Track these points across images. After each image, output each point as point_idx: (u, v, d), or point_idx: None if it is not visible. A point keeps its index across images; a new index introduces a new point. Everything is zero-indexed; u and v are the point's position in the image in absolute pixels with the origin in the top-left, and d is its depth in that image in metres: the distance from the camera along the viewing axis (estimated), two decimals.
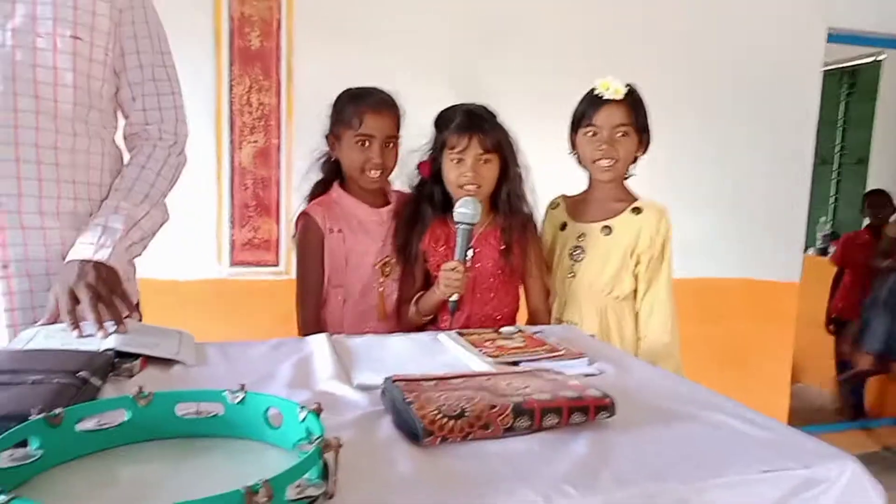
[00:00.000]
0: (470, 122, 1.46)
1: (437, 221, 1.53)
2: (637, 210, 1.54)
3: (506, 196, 1.51)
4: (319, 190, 1.62)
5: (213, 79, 2.37)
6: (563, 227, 1.62)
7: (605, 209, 1.57)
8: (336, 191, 1.58)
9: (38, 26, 1.12)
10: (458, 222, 1.41)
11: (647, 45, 2.74)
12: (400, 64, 2.39)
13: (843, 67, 4.76)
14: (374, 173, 1.51)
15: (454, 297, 1.43)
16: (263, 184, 2.47)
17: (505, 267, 1.52)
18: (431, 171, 1.52)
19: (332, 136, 1.55)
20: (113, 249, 1.13)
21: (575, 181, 1.66)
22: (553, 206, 1.68)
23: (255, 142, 2.45)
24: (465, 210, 1.40)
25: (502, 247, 1.51)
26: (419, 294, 1.53)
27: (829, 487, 0.70)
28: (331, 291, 1.56)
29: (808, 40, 3.00)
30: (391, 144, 1.52)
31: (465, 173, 1.45)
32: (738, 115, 2.94)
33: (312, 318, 1.55)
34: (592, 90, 1.54)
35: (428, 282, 1.54)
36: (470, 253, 1.44)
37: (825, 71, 3.14)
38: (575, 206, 1.63)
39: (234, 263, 2.50)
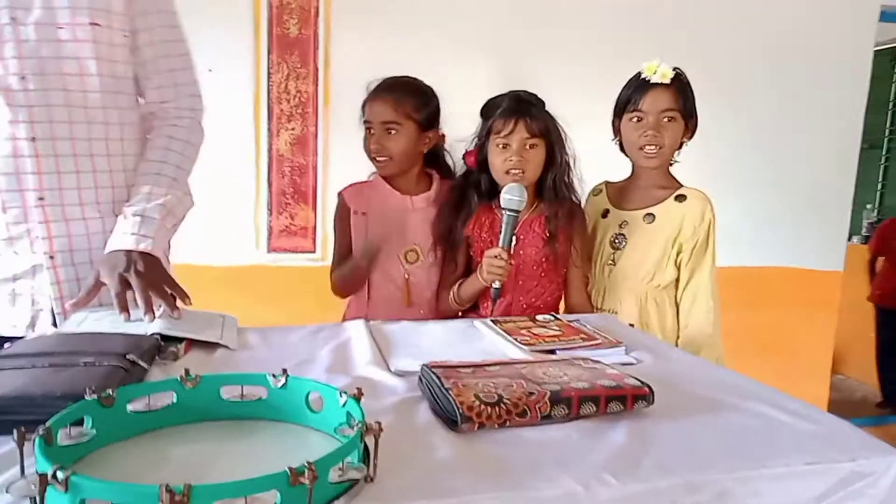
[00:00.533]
0: (517, 107, 1.45)
1: (483, 208, 1.53)
2: (681, 197, 1.50)
3: (551, 183, 1.50)
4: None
5: (251, 66, 2.40)
6: (605, 214, 1.60)
7: (648, 196, 1.54)
8: (377, 176, 1.61)
9: (57, 17, 1.11)
10: (504, 208, 1.41)
11: (690, 24, 2.67)
12: (440, 51, 2.38)
13: (895, 47, 4.58)
14: (379, 160, 1.53)
15: (497, 285, 1.42)
16: (300, 171, 2.50)
17: (549, 255, 1.51)
18: (477, 161, 1.52)
19: None
20: (154, 240, 1.14)
21: (616, 168, 1.64)
22: (595, 192, 1.65)
23: (293, 129, 2.47)
24: (512, 196, 1.39)
25: (547, 235, 1.51)
26: (460, 281, 1.54)
27: (876, 481, 0.68)
28: None
29: (859, 18, 2.88)
30: (392, 131, 1.51)
31: (511, 158, 1.44)
32: (783, 97, 2.85)
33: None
34: (639, 74, 1.50)
35: (470, 268, 1.55)
36: (514, 241, 1.44)
37: (876, 50, 3.02)
38: (618, 193, 1.61)
39: (271, 250, 2.54)
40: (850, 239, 3.61)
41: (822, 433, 0.74)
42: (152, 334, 0.96)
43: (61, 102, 1.13)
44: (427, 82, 1.58)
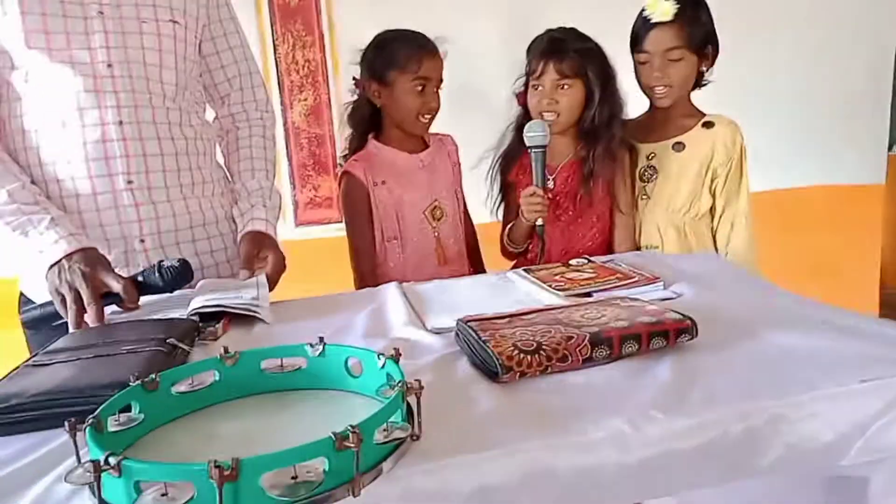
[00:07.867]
0: (547, 47, 1.44)
1: (525, 152, 1.51)
2: (709, 124, 1.47)
3: (588, 124, 1.47)
4: (356, 144, 1.58)
5: (257, 39, 2.36)
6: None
7: (674, 126, 1.51)
8: (372, 143, 1.55)
9: (141, 12, 1.19)
10: (528, 147, 1.41)
11: None
12: (446, 7, 2.31)
13: None
14: (426, 117, 1.50)
15: (540, 222, 1.43)
16: (318, 141, 2.49)
17: (584, 199, 1.49)
18: (524, 101, 1.51)
19: (377, 83, 1.49)
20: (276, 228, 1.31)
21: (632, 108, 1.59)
22: None
23: (305, 100, 2.45)
24: (534, 133, 1.39)
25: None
26: (510, 224, 1.55)
27: None
28: (386, 246, 1.54)
29: None
30: (438, 88, 1.51)
31: (542, 99, 1.43)
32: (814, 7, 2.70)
33: (369, 274, 1.53)
34: (643, 10, 1.45)
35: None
36: (547, 177, 1.43)
37: None
38: (637, 128, 1.56)
39: (298, 224, 2.55)
40: (890, 149, 3.44)
41: (875, 348, 0.72)
42: (190, 315, 0.97)
43: (143, 90, 1.19)
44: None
